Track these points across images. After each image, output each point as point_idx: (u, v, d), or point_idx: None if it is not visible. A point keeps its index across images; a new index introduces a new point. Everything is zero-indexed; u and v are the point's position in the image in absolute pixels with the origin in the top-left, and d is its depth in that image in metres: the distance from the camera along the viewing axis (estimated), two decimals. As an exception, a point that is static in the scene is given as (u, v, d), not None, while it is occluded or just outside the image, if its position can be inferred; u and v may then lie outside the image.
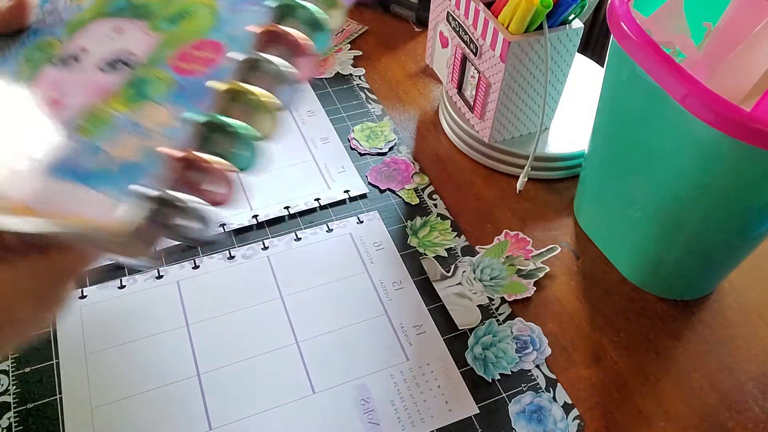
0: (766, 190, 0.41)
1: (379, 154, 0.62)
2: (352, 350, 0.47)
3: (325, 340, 0.47)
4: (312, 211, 0.56)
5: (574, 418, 0.44)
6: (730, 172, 0.41)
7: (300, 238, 0.54)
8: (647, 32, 0.41)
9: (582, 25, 0.54)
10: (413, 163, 0.61)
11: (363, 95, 0.68)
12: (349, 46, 0.74)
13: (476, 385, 0.45)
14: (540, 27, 0.52)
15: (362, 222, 0.55)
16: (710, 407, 0.46)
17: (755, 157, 0.38)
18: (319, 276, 0.51)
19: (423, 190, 0.59)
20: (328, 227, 0.55)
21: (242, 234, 0.54)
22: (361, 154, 0.61)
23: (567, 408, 0.45)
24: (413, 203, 0.57)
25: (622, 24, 0.42)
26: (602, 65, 0.50)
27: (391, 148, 0.62)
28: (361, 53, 0.73)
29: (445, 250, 0.54)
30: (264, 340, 0.47)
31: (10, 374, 0.44)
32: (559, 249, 0.54)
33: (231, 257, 0.52)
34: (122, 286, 0.49)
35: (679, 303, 0.52)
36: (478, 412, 0.44)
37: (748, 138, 0.36)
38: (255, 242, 0.53)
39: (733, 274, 0.54)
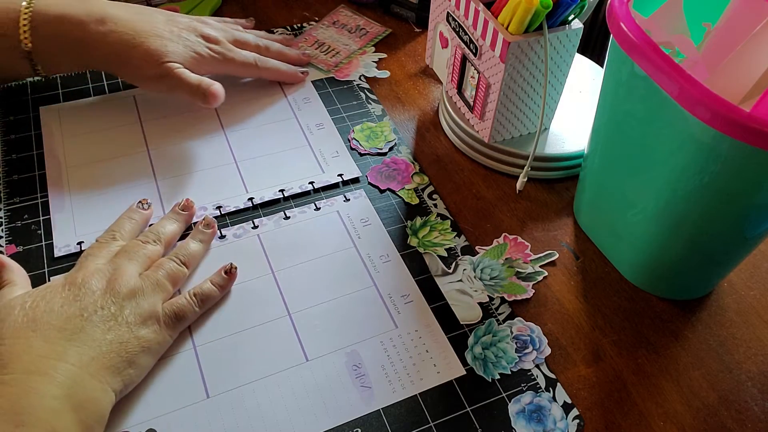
0: (765, 190, 0.41)
1: (379, 154, 0.62)
2: (343, 320, 0.48)
3: (316, 312, 0.49)
4: (306, 194, 0.57)
5: (574, 418, 0.44)
6: (729, 172, 0.41)
7: (289, 217, 0.55)
8: (647, 33, 0.41)
9: (581, 25, 0.54)
10: (413, 163, 0.61)
11: (363, 95, 0.68)
12: (373, 48, 0.74)
13: (476, 384, 0.45)
14: (540, 27, 0.52)
15: (349, 200, 0.57)
16: (710, 407, 0.46)
17: (754, 157, 0.38)
18: (308, 252, 0.53)
19: (423, 190, 0.59)
20: (315, 206, 0.56)
21: (234, 215, 0.55)
22: (361, 154, 0.61)
23: (567, 408, 0.45)
24: (413, 203, 0.57)
25: (622, 24, 0.42)
26: (602, 65, 0.50)
27: (391, 148, 0.62)
28: (386, 56, 0.73)
29: (445, 250, 0.54)
30: (257, 312, 0.48)
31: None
32: (557, 255, 0.54)
33: (222, 236, 0.53)
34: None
35: (679, 303, 0.52)
36: (465, 373, 0.46)
37: (747, 138, 0.36)
38: (245, 221, 0.55)
39: (732, 274, 0.54)
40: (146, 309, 0.43)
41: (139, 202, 0.52)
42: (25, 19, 0.54)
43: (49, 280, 0.49)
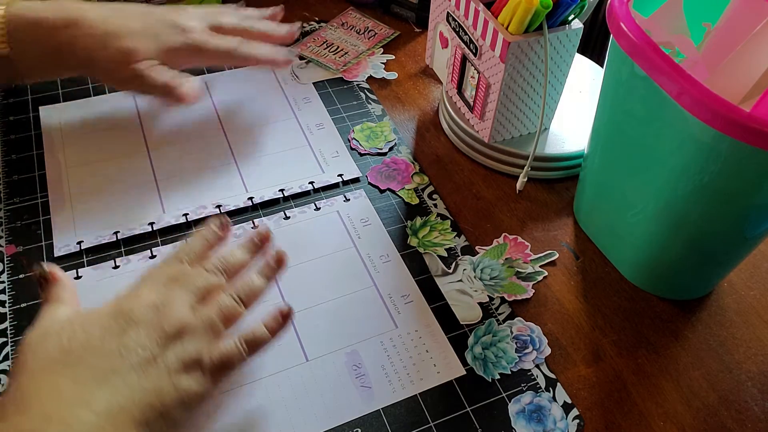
0: (765, 190, 0.41)
1: (379, 154, 0.62)
2: (343, 320, 0.48)
3: (316, 312, 0.49)
4: (306, 194, 0.58)
5: (574, 418, 0.44)
6: (729, 172, 0.41)
7: (289, 217, 0.55)
8: (647, 33, 0.41)
9: (581, 25, 0.54)
10: (413, 163, 0.61)
11: (363, 95, 0.68)
12: (382, 50, 0.74)
13: (476, 384, 0.45)
14: (540, 27, 0.52)
15: (349, 200, 0.57)
16: (710, 407, 0.46)
17: (754, 157, 0.38)
18: (308, 252, 0.53)
19: (423, 190, 0.59)
20: (315, 206, 0.56)
21: (234, 215, 0.55)
22: (361, 154, 0.61)
23: (567, 408, 0.45)
24: (413, 203, 0.57)
25: (622, 24, 0.42)
26: (602, 65, 0.50)
27: (391, 148, 0.62)
28: (393, 57, 0.73)
29: (445, 250, 0.54)
30: (257, 312, 0.48)
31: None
32: (557, 255, 0.54)
33: None
34: (116, 266, 0.50)
35: (679, 303, 0.52)
36: (465, 373, 0.46)
37: (747, 138, 0.36)
38: (245, 221, 0.55)
39: (732, 274, 0.54)
40: (191, 353, 0.38)
41: (219, 220, 0.45)
42: (1, 24, 0.52)
43: None
